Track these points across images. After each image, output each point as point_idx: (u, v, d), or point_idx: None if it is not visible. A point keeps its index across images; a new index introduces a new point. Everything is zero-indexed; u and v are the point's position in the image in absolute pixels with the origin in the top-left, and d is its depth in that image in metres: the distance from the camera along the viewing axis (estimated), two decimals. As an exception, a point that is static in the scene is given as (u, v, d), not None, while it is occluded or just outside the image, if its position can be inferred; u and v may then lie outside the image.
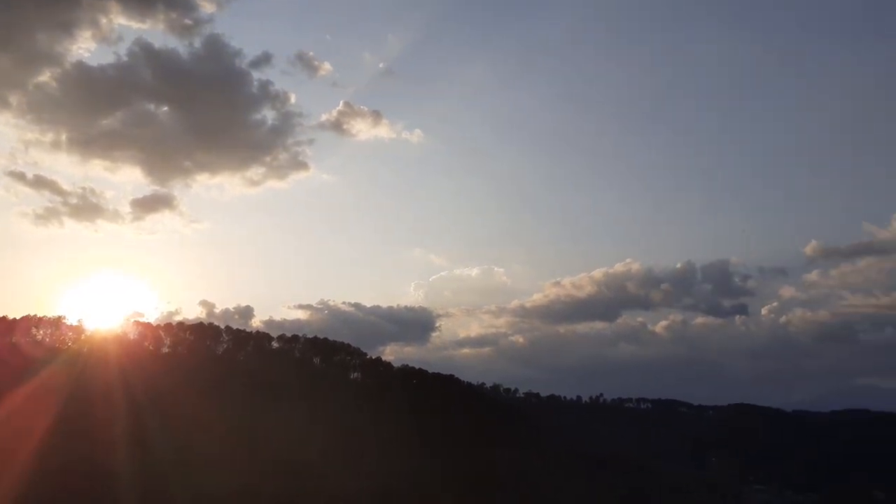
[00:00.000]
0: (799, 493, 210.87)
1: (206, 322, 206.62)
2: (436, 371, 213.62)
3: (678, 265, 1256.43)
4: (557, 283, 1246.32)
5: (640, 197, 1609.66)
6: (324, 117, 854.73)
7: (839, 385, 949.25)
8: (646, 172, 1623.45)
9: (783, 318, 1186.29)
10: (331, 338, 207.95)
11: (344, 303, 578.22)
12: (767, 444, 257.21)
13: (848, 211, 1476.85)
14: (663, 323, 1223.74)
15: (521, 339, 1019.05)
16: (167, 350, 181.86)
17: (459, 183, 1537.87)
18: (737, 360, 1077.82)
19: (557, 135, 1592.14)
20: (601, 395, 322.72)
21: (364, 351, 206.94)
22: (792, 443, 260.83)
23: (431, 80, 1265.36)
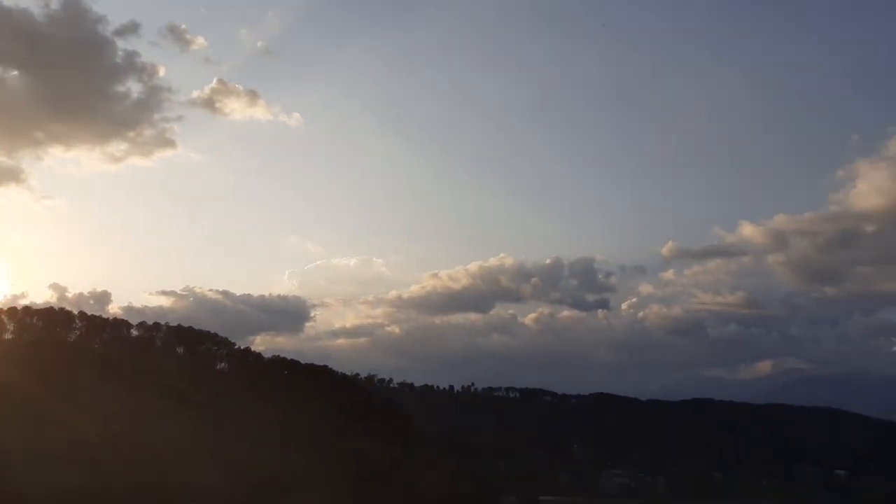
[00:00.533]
0: (650, 476, 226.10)
1: (56, 307, 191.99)
2: (309, 362, 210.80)
3: (548, 261, 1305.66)
4: (435, 275, 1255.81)
5: (516, 194, 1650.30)
6: (195, 94, 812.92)
7: (688, 376, 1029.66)
8: (522, 170, 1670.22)
9: (641, 313, 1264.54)
10: (196, 326, 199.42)
11: (211, 290, 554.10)
12: (624, 430, 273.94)
13: (700, 216, 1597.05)
14: (532, 315, 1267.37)
15: (397, 330, 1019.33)
16: (10, 337, 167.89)
17: (339, 170, 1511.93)
18: (599, 352, 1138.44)
19: (439, 127, 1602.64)
20: (472, 384, 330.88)
21: (232, 341, 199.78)
22: (646, 429, 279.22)
23: (312, 62, 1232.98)
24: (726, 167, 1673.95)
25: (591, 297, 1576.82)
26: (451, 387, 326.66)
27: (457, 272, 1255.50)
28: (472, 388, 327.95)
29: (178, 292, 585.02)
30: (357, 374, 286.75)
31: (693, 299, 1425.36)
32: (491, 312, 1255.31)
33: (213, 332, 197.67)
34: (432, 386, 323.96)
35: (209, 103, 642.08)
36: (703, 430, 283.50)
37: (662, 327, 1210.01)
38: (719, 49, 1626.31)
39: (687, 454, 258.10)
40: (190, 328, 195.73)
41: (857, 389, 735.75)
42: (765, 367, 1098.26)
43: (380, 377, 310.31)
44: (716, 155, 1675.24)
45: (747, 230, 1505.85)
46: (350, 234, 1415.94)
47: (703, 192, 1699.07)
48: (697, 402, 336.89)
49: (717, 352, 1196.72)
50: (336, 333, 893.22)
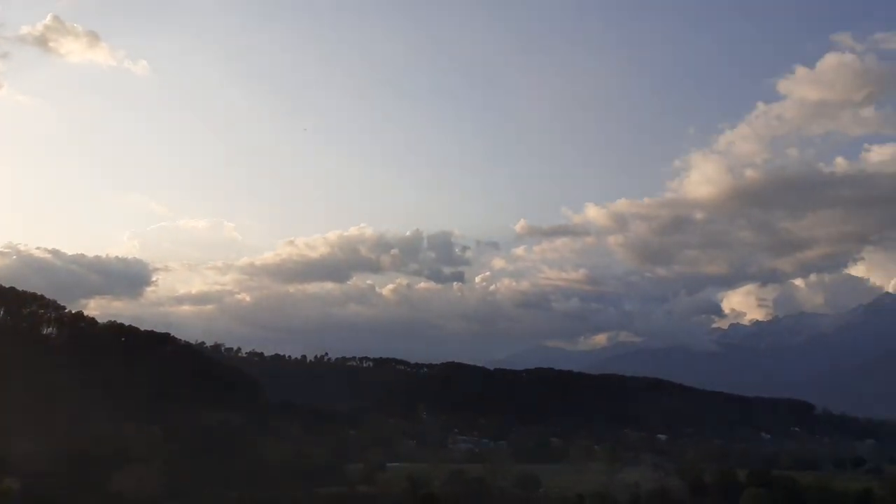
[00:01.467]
0: (493, 441, 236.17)
1: None
2: (149, 329, 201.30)
3: (408, 233, 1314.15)
4: (291, 243, 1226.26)
5: (379, 165, 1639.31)
6: (25, 30, 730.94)
7: (533, 346, 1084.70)
8: (386, 142, 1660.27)
9: (493, 287, 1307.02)
10: (19, 287, 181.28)
11: (38, 248, 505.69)
12: (472, 398, 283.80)
13: (551, 196, 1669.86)
14: (390, 286, 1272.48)
15: (247, 298, 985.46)
16: None
17: (189, 126, 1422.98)
18: (452, 323, 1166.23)
19: (302, 90, 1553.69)
20: (326, 354, 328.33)
21: (62, 304, 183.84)
22: (492, 397, 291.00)
23: (163, 7, 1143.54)
24: (576, 152, 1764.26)
25: (447, 270, 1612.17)
26: (304, 356, 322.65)
27: (314, 240, 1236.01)
28: (326, 358, 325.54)
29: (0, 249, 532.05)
30: (202, 343, 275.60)
31: (540, 275, 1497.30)
32: (348, 283, 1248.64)
33: (39, 293, 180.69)
34: (283, 355, 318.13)
35: (42, 41, 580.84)
36: (544, 398, 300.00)
37: (511, 300, 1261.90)
38: (575, 41, 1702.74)
39: (529, 420, 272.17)
40: (12, 289, 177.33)
41: (681, 361, 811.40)
42: (601, 339, 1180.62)
43: (227, 346, 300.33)
44: (567, 141, 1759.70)
45: (592, 212, 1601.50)
46: (199, 195, 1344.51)
47: (554, 175, 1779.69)
48: (540, 371, 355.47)
49: (559, 324, 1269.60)
50: (180, 299, 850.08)
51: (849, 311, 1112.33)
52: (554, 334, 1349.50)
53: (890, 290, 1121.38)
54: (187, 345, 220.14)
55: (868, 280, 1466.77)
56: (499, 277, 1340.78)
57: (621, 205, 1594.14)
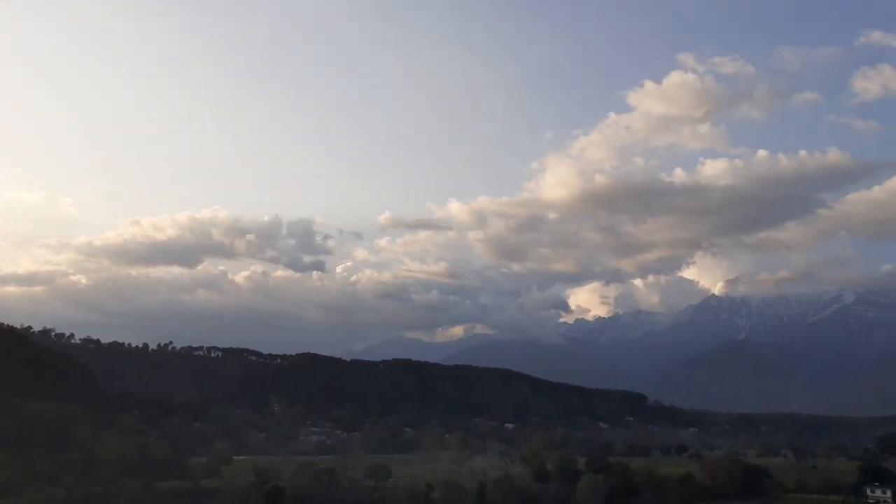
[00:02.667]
0: (346, 432, 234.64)
1: None
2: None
3: (266, 218, 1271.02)
4: (136, 222, 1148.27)
5: (238, 146, 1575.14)
6: None
7: (392, 338, 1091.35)
8: (249, 124, 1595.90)
9: (354, 277, 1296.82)
10: None
11: None
12: (327, 389, 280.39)
13: (416, 190, 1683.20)
14: (245, 273, 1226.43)
15: (83, 280, 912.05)
16: None
17: (25, 84, 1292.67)
18: (310, 313, 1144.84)
19: (161, 59, 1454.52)
20: (171, 342, 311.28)
21: None
22: (348, 388, 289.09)
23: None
24: (442, 149, 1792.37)
25: (307, 259, 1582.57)
26: (146, 345, 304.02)
27: (162, 221, 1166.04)
28: (171, 347, 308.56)
29: None
30: (29, 328, 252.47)
31: (402, 266, 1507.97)
32: (198, 267, 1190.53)
33: None
34: (123, 343, 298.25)
35: None
36: (400, 389, 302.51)
37: (372, 291, 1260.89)
38: (446, 41, 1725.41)
39: (385, 411, 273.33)
40: None
41: (531, 354, 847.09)
42: (458, 331, 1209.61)
43: (58, 331, 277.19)
44: (434, 137, 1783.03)
45: (455, 207, 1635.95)
46: (30, 165, 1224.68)
47: (420, 170, 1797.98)
48: (397, 362, 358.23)
49: (419, 316, 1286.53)
50: (5, 279, 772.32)
51: (680, 311, 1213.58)
52: (413, 326, 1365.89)
53: (716, 292, 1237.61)
54: (10, 329, 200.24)
55: (698, 282, 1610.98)
56: (361, 268, 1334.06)
57: (482, 202, 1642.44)
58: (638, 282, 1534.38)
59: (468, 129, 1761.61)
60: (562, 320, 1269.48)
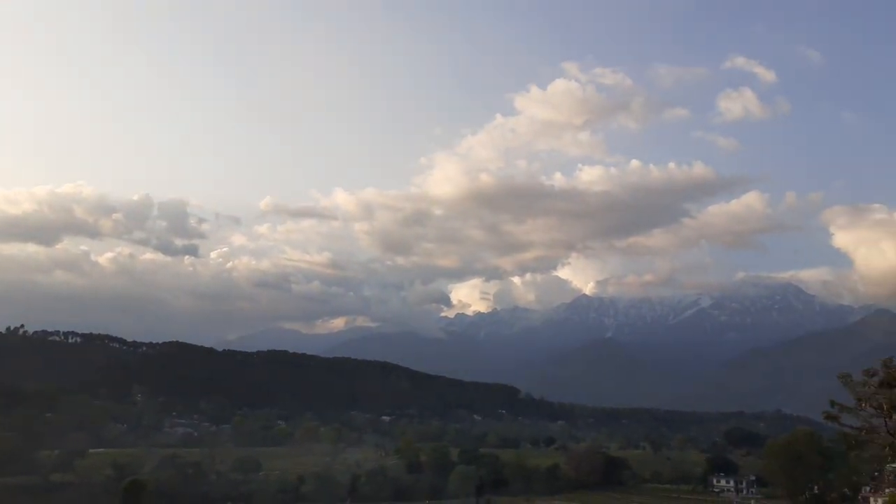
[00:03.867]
0: (215, 425, 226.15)
1: None
2: None
3: (135, 197, 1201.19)
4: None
5: (109, 119, 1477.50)
6: None
7: (269, 328, 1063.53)
8: (123, 90, 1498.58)
9: (230, 264, 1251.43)
10: None
11: None
12: (196, 380, 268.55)
13: (301, 176, 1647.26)
14: (109, 254, 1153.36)
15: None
16: None
17: None
18: (180, 299, 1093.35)
19: (25, 18, 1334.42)
20: (22, 326, 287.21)
21: None
22: (218, 379, 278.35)
23: None
24: (331, 137, 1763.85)
25: (180, 242, 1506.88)
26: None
27: (17, 194, 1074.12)
28: (22, 331, 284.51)
29: None
30: None
31: (283, 255, 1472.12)
32: (57, 246, 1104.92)
33: None
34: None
35: None
36: (275, 381, 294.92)
37: (249, 279, 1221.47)
38: (342, 29, 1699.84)
39: (258, 403, 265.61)
40: None
41: (411, 347, 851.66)
42: (339, 323, 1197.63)
43: None
44: (324, 123, 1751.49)
45: (341, 197, 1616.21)
46: None
47: (306, 155, 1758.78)
48: (273, 353, 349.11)
49: (298, 307, 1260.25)
50: None
51: (553, 308, 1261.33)
52: (292, 317, 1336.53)
53: (587, 292, 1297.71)
54: None
55: (571, 282, 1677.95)
56: (237, 254, 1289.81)
57: (369, 193, 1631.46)
58: (516, 279, 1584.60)
59: (359, 119, 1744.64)
60: (443, 314, 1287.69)
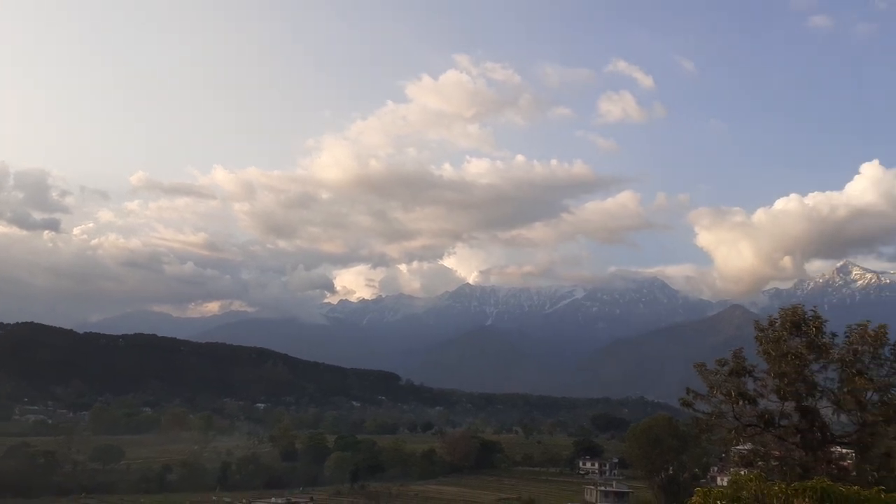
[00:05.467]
0: (73, 412, 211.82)
1: None
2: None
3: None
4: None
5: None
6: None
7: (136, 310, 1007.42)
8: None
9: (95, 241, 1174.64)
10: None
11: None
12: (53, 364, 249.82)
13: (177, 151, 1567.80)
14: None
15: None
16: None
17: None
18: (38, 278, 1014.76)
19: None
20: None
21: None
22: (79, 364, 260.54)
23: None
24: (213, 112, 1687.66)
25: (38, 216, 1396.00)
26: None
27: None
28: None
29: None
30: None
31: (154, 234, 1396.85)
32: None
33: None
34: None
35: None
36: (141, 366, 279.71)
37: (116, 258, 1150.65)
38: (226, 9, 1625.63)
39: (122, 389, 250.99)
40: None
41: (291, 333, 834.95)
42: (213, 307, 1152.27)
43: None
44: (205, 98, 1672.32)
45: (220, 175, 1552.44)
46: None
47: (184, 130, 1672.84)
48: (140, 336, 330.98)
49: (169, 289, 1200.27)
50: None
51: (437, 296, 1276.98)
52: (162, 299, 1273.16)
53: (470, 281, 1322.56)
54: None
55: (456, 271, 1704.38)
56: (104, 231, 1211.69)
57: (251, 173, 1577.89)
58: (403, 267, 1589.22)
59: (244, 95, 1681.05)
60: (326, 301, 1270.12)
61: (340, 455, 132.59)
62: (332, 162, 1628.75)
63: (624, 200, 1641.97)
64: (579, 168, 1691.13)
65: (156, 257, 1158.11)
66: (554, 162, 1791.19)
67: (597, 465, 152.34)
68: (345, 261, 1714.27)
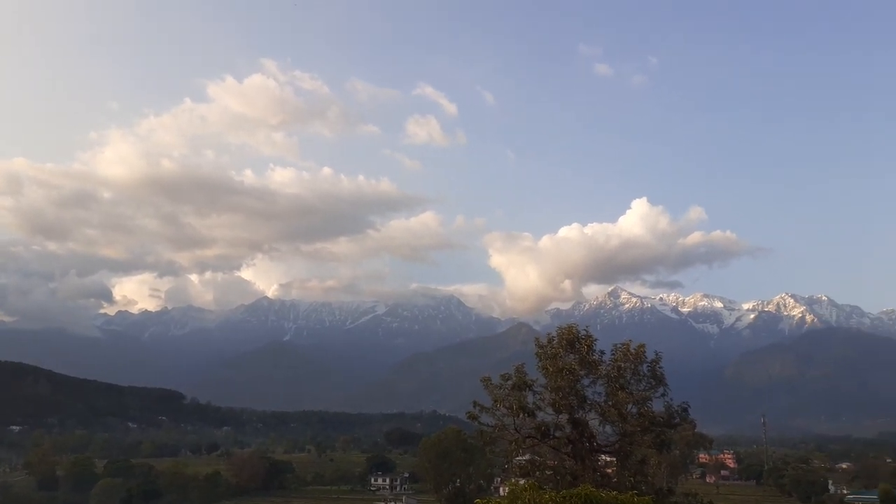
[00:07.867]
0: None
1: None
2: None
3: None
4: None
5: None
6: None
7: None
8: None
9: None
10: None
11: None
12: None
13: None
14: None
15: None
16: None
17: None
18: None
19: None
20: None
21: None
22: None
23: None
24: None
25: None
26: None
27: None
28: None
29: None
30: None
31: None
32: None
33: None
34: None
35: None
36: None
37: None
38: None
39: None
40: None
41: (58, 346, 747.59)
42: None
43: None
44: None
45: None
46: None
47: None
48: None
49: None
50: None
51: (231, 310, 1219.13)
52: None
53: (269, 294, 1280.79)
54: None
55: (254, 284, 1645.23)
56: None
57: (18, 164, 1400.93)
58: (194, 277, 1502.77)
59: (14, 76, 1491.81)
60: (102, 311, 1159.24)
61: (110, 482, 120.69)
62: (116, 158, 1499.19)
63: (426, 220, 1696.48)
64: (386, 185, 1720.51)
65: None
66: (361, 178, 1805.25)
67: (388, 481, 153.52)
68: (126, 268, 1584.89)
